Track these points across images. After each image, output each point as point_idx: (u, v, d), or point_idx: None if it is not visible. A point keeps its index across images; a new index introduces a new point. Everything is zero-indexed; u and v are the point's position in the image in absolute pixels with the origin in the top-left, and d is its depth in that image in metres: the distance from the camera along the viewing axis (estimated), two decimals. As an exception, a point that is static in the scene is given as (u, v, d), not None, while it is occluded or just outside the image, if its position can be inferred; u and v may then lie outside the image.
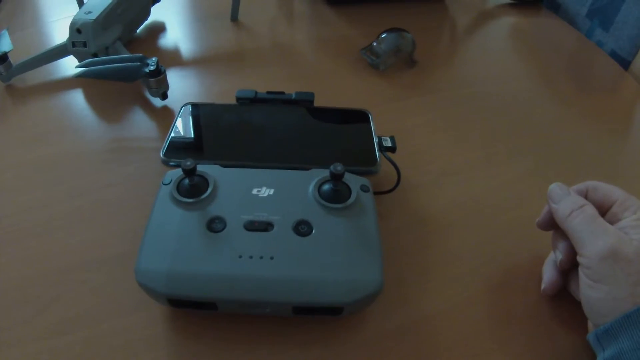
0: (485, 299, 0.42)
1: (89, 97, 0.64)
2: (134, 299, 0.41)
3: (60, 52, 0.67)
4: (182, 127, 0.51)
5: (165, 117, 0.59)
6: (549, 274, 0.42)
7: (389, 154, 0.49)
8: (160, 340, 0.39)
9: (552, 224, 0.41)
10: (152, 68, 0.56)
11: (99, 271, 0.44)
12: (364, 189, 0.43)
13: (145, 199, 0.48)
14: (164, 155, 0.47)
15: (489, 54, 0.73)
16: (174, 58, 0.70)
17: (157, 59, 0.57)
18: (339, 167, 0.41)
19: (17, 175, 0.54)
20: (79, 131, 0.59)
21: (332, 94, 0.56)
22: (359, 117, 0.52)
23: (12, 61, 0.66)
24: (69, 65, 0.70)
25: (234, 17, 0.75)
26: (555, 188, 0.40)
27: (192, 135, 0.50)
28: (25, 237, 0.47)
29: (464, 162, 0.54)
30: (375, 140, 0.49)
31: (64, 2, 0.97)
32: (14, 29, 0.81)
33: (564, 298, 0.42)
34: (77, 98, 0.65)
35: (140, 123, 0.59)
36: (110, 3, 0.65)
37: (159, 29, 0.78)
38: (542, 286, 0.42)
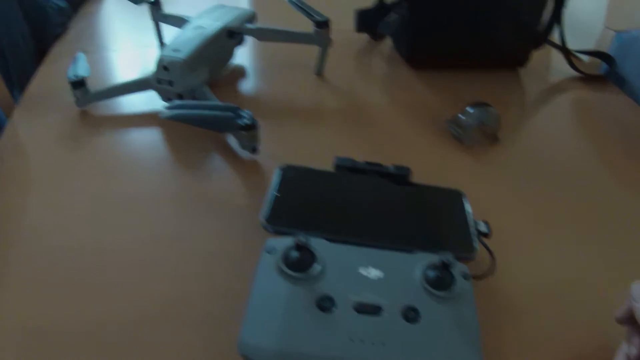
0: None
1: (168, 137, 0.64)
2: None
3: (141, 85, 0.67)
4: (281, 190, 0.49)
5: (252, 171, 0.58)
6: None
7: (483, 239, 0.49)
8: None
9: (630, 320, 0.41)
10: (246, 122, 0.55)
11: (180, 326, 0.43)
12: (465, 276, 0.43)
13: (231, 256, 0.48)
14: (266, 220, 0.46)
15: (560, 129, 0.73)
16: (254, 105, 0.68)
17: (251, 112, 0.57)
18: (449, 258, 0.41)
19: (92, 211, 0.53)
20: (158, 172, 0.58)
21: (415, 165, 0.56)
22: (454, 198, 0.52)
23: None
24: (146, 99, 0.70)
25: (319, 72, 0.75)
26: (637, 287, 0.41)
27: (293, 202, 0.49)
28: (97, 281, 0.46)
29: (540, 243, 0.54)
30: (472, 224, 0.49)
31: (129, 31, 0.97)
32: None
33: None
34: (155, 136, 0.64)
35: (224, 174, 0.58)
36: (199, 43, 0.65)
37: (239, 73, 0.77)
38: None
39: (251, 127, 0.56)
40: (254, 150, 0.58)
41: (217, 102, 0.59)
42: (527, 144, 0.68)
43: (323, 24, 0.70)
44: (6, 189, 0.58)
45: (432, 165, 0.61)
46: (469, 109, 0.64)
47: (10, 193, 0.57)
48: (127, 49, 0.89)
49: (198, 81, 0.64)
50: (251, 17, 0.74)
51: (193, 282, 0.46)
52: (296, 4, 0.73)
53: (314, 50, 0.76)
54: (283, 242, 0.42)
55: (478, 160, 0.62)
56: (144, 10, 1.01)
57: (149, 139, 0.64)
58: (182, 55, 0.63)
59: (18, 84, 0.95)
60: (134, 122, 0.67)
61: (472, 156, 0.63)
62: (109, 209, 0.54)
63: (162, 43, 0.86)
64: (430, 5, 0.75)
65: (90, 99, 0.69)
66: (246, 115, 0.56)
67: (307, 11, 0.72)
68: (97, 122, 0.68)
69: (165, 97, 0.66)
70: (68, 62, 0.85)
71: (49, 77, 0.81)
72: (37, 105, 0.74)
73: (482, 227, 0.49)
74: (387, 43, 0.88)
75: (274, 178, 0.51)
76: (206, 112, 0.57)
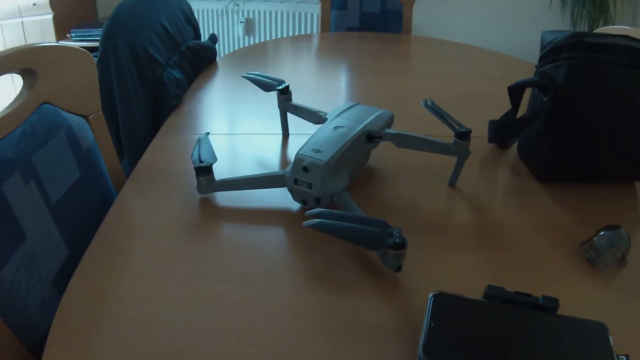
0: None
1: (297, 241, 0.60)
2: None
3: (273, 182, 0.64)
4: (434, 319, 0.46)
5: (393, 289, 0.53)
6: None
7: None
8: None
9: None
10: (397, 240, 0.51)
11: None
12: None
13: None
14: (424, 354, 0.43)
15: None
16: (385, 212, 0.66)
17: (400, 229, 0.52)
18: None
19: (206, 320, 0.49)
20: (289, 280, 0.54)
21: (549, 289, 0.53)
22: (599, 331, 0.48)
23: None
24: (275, 196, 0.67)
25: (452, 183, 0.72)
26: None
27: (448, 334, 0.46)
28: None
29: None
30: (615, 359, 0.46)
31: (243, 113, 0.97)
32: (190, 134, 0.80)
33: None
34: (283, 238, 0.60)
35: (364, 291, 0.53)
36: (342, 145, 0.62)
37: (369, 174, 0.74)
38: None
39: (401, 247, 0.51)
40: (398, 269, 0.54)
41: (363, 215, 0.55)
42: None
43: (464, 135, 0.67)
44: (105, 272, 0.55)
45: (566, 289, 0.56)
46: (603, 233, 0.62)
47: (109, 277, 0.54)
48: (241, 132, 0.88)
49: (339, 187, 0.61)
50: (390, 121, 0.71)
51: None
52: (437, 112, 0.70)
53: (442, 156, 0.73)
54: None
55: (608, 285, 0.57)
56: (260, 92, 1.00)
57: (277, 240, 0.60)
58: (324, 157, 0.60)
59: (128, 151, 0.96)
60: (260, 218, 0.64)
61: (604, 280, 0.58)
62: (227, 317, 0.49)
63: (286, 134, 0.84)
64: (568, 122, 0.72)
65: (214, 188, 0.67)
66: (396, 233, 0.52)
67: (447, 120, 0.69)
68: (218, 215, 0.65)
69: (299, 198, 0.62)
70: (181, 138, 0.84)
71: (162, 152, 0.80)
72: (150, 182, 0.72)
73: None
74: (512, 152, 0.85)
75: (428, 306, 0.48)
76: (353, 225, 0.52)
